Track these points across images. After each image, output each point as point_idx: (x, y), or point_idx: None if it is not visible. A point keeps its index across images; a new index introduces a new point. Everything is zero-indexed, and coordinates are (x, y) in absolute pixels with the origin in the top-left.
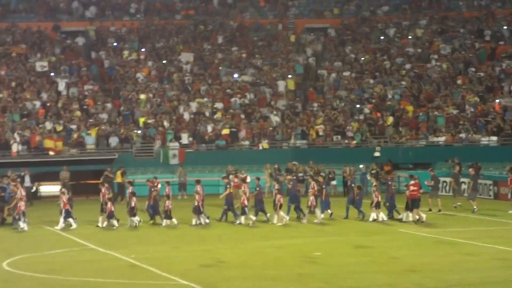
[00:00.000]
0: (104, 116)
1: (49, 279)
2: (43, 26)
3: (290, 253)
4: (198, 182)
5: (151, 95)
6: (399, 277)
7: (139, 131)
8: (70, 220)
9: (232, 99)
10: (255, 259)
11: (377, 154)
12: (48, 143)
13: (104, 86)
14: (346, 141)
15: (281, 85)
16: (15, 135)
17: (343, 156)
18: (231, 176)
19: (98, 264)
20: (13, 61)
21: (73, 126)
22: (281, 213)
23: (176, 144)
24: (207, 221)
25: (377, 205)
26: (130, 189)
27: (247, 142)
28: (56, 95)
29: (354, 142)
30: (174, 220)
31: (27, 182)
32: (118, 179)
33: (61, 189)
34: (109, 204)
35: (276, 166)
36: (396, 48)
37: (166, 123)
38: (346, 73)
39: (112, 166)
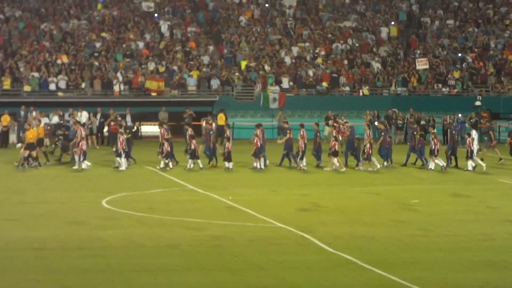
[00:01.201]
0: (206, 58)
1: (147, 218)
2: None
3: (387, 200)
4: (258, 126)
5: (253, 39)
6: (496, 226)
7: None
8: (119, 159)
9: (334, 45)
10: (351, 204)
11: (478, 103)
12: (150, 84)
13: (206, 29)
14: (447, 89)
15: (383, 32)
16: (118, 74)
17: (443, 105)
18: (330, 121)
19: (196, 205)
20: (118, 1)
21: (175, 68)
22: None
23: (277, 88)
24: (262, 166)
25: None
26: (189, 132)
27: (347, 88)
28: (159, 36)
29: (455, 90)
30: (230, 164)
31: (128, 121)
32: (220, 121)
33: (119, 130)
34: (165, 144)
35: (375, 112)
36: None
37: (267, 67)
38: (449, 21)
39: (213, 108)
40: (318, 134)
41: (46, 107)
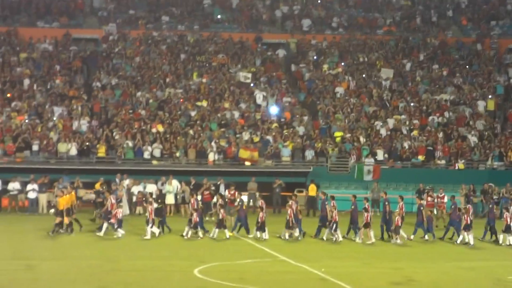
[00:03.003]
0: (301, 128)
1: None
2: (245, 36)
3: (482, 275)
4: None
5: (349, 110)
6: None
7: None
8: (153, 229)
9: (430, 117)
10: (446, 279)
11: None
12: (244, 154)
13: (302, 99)
14: None
15: (480, 105)
16: (213, 144)
17: None
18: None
19: (289, 276)
20: (213, 70)
21: (270, 138)
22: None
23: (371, 160)
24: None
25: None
26: (219, 201)
27: (443, 161)
28: (254, 106)
29: None
30: (264, 234)
31: (222, 190)
32: (311, 192)
33: (147, 199)
34: (194, 214)
35: (471, 186)
36: None
37: (362, 139)
38: None
39: (307, 179)
40: (353, 206)
41: (140, 175)
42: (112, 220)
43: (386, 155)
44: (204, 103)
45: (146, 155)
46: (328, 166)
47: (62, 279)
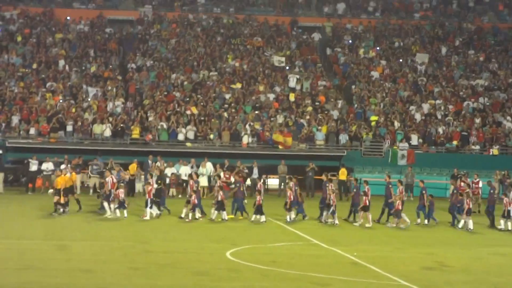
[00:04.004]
0: (335, 112)
1: (271, 271)
2: (280, 20)
3: None
4: (290, 179)
5: (383, 95)
6: None
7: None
8: (152, 210)
9: (465, 103)
10: (478, 264)
11: None
12: (278, 137)
13: (337, 83)
14: None
15: None
16: (247, 126)
17: None
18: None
19: (321, 260)
20: (248, 53)
21: (304, 121)
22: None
23: (406, 144)
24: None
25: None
26: (218, 183)
27: (477, 147)
28: (289, 89)
29: None
30: (262, 216)
31: (255, 174)
32: (342, 176)
33: (147, 180)
34: (193, 196)
35: (505, 172)
36: None
37: (396, 123)
38: None
39: (340, 162)
40: (355, 190)
41: (174, 157)
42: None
43: (420, 140)
44: (239, 86)
45: (180, 137)
46: (362, 150)
47: (94, 260)
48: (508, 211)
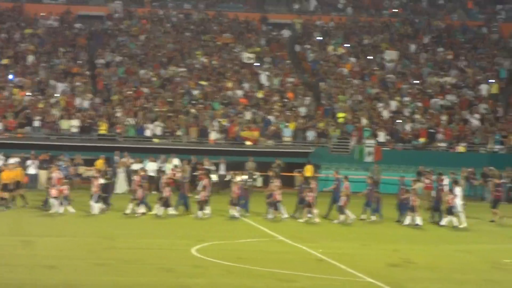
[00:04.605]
0: (303, 109)
1: (237, 268)
2: (250, 16)
3: (479, 258)
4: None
5: (352, 91)
6: None
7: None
8: (99, 204)
9: (433, 100)
10: (443, 261)
11: None
12: (245, 133)
13: (305, 80)
14: None
15: (483, 89)
16: (214, 123)
17: None
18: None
19: (286, 256)
20: (218, 49)
21: (272, 118)
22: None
23: (373, 141)
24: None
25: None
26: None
27: (444, 144)
28: (257, 85)
29: None
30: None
31: (222, 170)
32: (308, 173)
33: (94, 175)
34: (139, 191)
35: (471, 169)
36: None
37: (364, 120)
38: None
39: (308, 159)
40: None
41: (141, 153)
42: (54, 195)
43: (387, 137)
44: (205, 83)
45: (148, 133)
46: (329, 147)
47: (59, 256)
48: (451, 208)
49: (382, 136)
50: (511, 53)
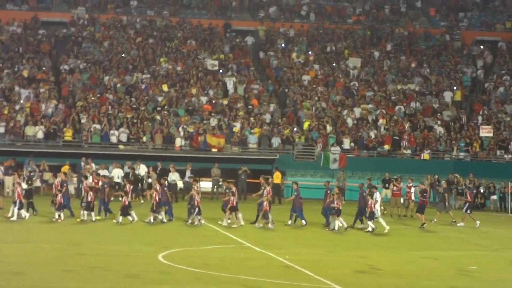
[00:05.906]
0: (267, 116)
1: (203, 274)
2: (214, 23)
3: (445, 265)
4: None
5: (316, 99)
6: None
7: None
8: (22, 211)
9: (397, 107)
10: (409, 268)
11: None
12: (211, 140)
13: (269, 87)
14: (510, 156)
15: (447, 96)
16: (180, 129)
17: (505, 171)
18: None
19: (253, 263)
20: (182, 56)
21: (237, 125)
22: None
23: (338, 148)
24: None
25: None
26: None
27: (409, 151)
28: (222, 92)
29: None
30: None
31: (187, 176)
32: (276, 179)
33: (17, 181)
34: (59, 195)
35: (436, 176)
36: None
37: (328, 127)
38: None
39: (273, 166)
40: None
41: (107, 159)
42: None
43: (352, 144)
44: (166, 88)
45: (113, 139)
46: (294, 154)
47: (26, 262)
48: (373, 213)
49: (347, 143)
50: (474, 60)
